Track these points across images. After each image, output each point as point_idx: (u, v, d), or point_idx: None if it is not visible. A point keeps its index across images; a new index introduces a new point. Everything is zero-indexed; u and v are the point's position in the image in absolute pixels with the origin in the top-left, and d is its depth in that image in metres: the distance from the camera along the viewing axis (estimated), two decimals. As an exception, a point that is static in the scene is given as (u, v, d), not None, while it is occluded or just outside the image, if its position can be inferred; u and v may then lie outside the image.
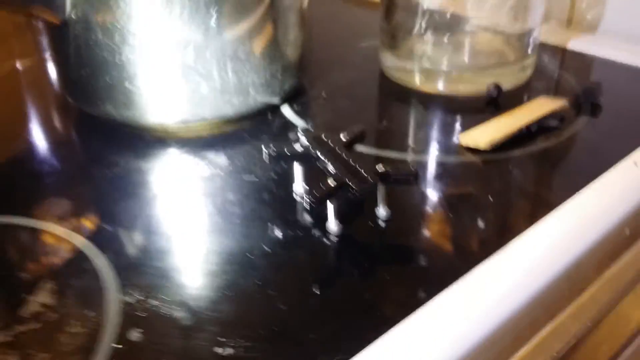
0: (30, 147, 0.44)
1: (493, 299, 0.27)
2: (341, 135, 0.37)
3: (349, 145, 0.36)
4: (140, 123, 0.44)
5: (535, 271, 0.29)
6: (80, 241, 0.33)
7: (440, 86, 0.51)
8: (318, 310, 0.28)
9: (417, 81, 0.52)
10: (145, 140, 0.44)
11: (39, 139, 0.45)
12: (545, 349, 0.27)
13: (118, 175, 0.40)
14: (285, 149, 0.35)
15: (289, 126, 0.46)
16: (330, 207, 0.32)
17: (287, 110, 0.48)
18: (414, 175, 0.33)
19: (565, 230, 0.31)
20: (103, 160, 0.43)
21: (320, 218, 0.34)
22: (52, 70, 0.58)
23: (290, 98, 0.50)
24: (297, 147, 0.35)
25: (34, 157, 0.43)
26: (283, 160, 0.35)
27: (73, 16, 0.41)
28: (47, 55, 0.60)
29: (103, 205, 0.37)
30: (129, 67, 0.42)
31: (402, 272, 0.30)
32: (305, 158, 0.35)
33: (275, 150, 0.35)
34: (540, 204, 0.36)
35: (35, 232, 0.34)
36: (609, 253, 0.32)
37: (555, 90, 0.52)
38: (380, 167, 0.33)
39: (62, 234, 0.33)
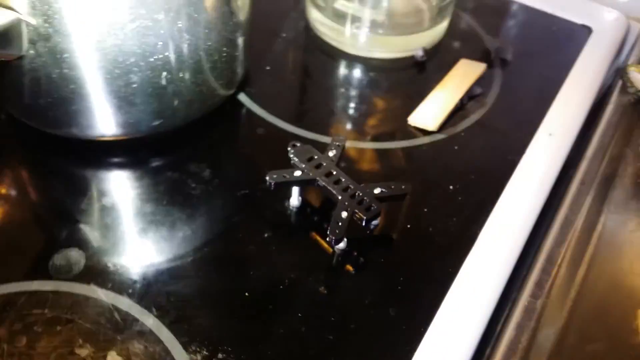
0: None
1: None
2: (330, 154, 0.42)
3: (338, 161, 0.42)
4: (96, 137, 0.45)
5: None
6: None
7: (364, 48, 0.56)
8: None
9: (344, 41, 0.56)
10: (97, 150, 0.45)
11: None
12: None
13: (64, 187, 0.43)
14: (286, 176, 0.40)
15: (250, 113, 0.49)
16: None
17: (243, 97, 0.51)
18: (405, 194, 0.40)
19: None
20: (45, 172, 0.44)
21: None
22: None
23: (242, 83, 0.52)
24: (297, 173, 0.40)
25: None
26: (285, 186, 0.40)
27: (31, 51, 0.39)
28: None
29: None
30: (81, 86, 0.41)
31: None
32: (305, 182, 0.40)
33: (275, 178, 0.40)
34: (500, 169, 0.45)
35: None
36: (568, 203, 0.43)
37: (471, 48, 0.59)
38: (377, 191, 0.39)
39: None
